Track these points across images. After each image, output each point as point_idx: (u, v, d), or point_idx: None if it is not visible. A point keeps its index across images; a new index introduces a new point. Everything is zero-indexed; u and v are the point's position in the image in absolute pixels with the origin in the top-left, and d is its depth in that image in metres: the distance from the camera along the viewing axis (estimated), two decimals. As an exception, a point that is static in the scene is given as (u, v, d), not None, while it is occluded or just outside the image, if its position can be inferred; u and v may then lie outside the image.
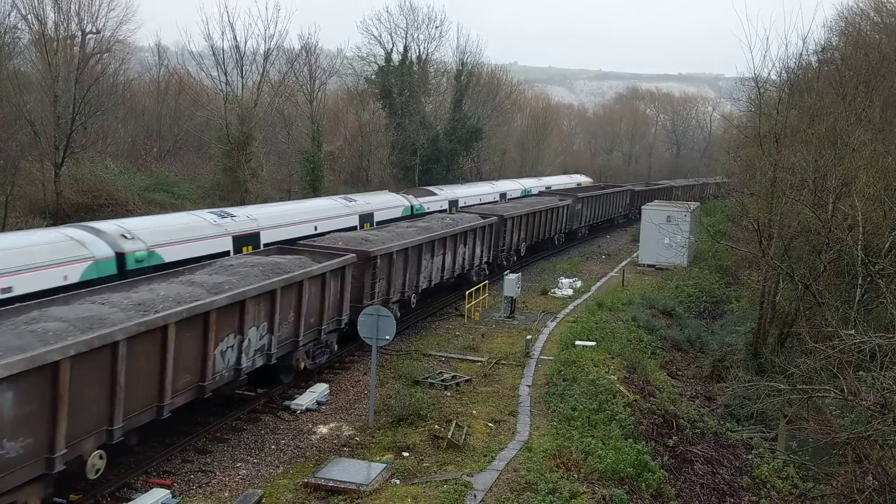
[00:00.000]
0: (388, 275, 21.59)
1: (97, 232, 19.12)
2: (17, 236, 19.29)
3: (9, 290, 15.89)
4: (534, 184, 57.07)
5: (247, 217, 24.39)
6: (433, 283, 25.31)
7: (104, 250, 18.51)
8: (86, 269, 17.72)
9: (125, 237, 19.40)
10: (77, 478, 11.74)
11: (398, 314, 22.37)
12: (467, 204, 40.33)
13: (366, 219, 30.20)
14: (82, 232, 18.98)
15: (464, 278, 28.44)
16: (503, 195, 47.89)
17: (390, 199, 34.16)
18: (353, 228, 28.02)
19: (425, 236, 24.10)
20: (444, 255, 25.70)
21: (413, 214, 33.52)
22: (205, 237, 21.86)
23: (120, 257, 18.75)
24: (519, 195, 50.01)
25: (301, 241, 22.09)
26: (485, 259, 30.18)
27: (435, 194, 40.34)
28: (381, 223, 29.48)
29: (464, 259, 27.75)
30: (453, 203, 40.02)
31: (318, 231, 26.06)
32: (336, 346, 19.34)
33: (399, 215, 32.79)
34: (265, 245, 23.19)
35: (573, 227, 45.19)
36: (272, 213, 26.00)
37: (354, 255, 19.51)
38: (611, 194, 54.27)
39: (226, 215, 23.97)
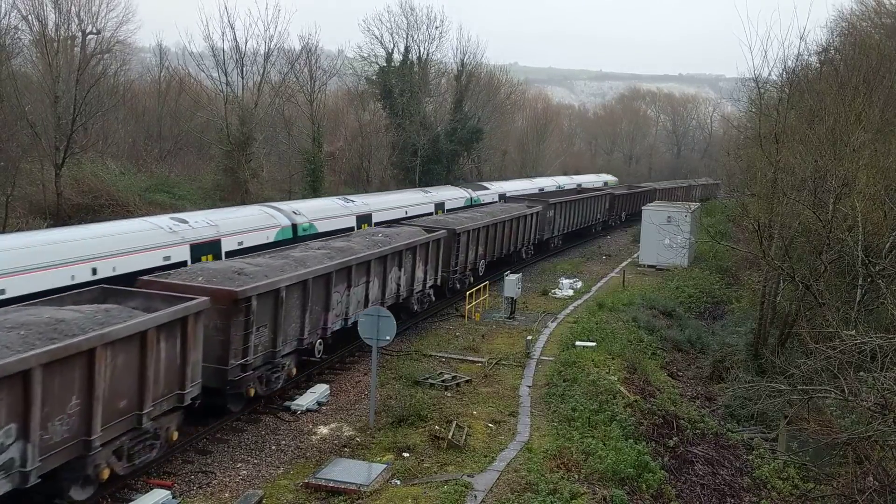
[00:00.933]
0: (272, 319, 16.27)
1: (279, 209, 26.73)
2: (237, 210, 27.74)
3: (241, 243, 23.30)
4: (566, 181, 65.35)
5: (363, 203, 31.90)
6: (352, 321, 19.55)
7: (285, 221, 26.02)
8: (277, 233, 25.23)
9: (295, 213, 26.85)
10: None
11: (293, 371, 17.69)
12: (513, 196, 45.81)
13: (439, 206, 37.47)
14: (272, 209, 26.53)
15: (401, 308, 23.16)
16: (541, 189, 55.26)
17: (455, 192, 42.65)
18: (430, 214, 34.81)
19: (339, 261, 18.96)
20: (368, 283, 20.49)
21: (472, 205, 40.52)
22: (338, 216, 29.13)
23: (294, 227, 26.22)
24: (554, 190, 57.13)
25: (142, 277, 16.27)
26: (429, 283, 24.97)
27: (487, 188, 47.58)
28: (450, 211, 35.28)
29: (399, 286, 22.65)
30: (502, 196, 46.46)
31: (408, 215, 32.91)
32: (175, 434, 13.76)
33: (462, 205, 39.99)
34: (375, 224, 29.28)
35: (544, 237, 39.77)
36: (380, 201, 33.63)
37: (207, 298, 14.04)
38: (588, 199, 48.51)
39: (349, 201, 31.55)
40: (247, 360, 15.49)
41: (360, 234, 23.64)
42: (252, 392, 15.89)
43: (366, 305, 20.15)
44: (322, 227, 27.43)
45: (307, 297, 17.49)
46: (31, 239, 19.09)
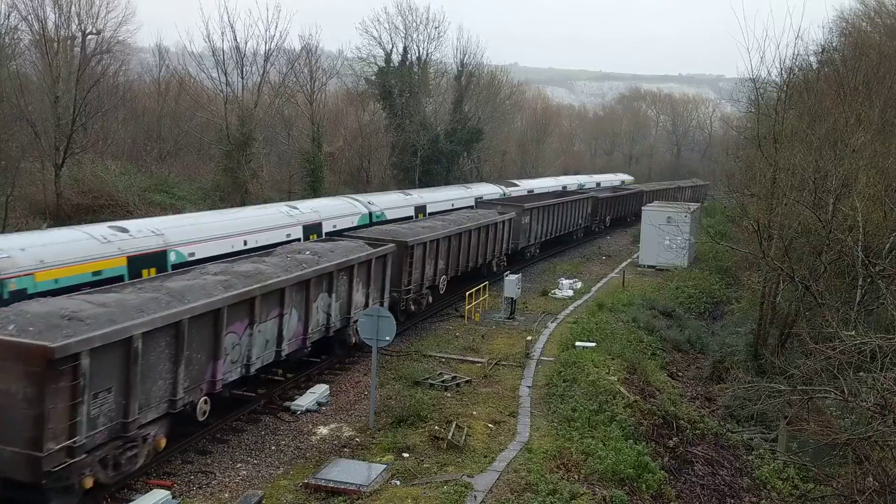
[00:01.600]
0: (122, 379, 12.22)
1: (357, 200, 32.29)
2: (330, 200, 32.70)
3: (335, 226, 27.96)
4: (585, 180, 68.93)
5: (418, 196, 36.97)
6: (254, 368, 15.94)
7: (364, 210, 31.29)
8: (359, 219, 30.41)
9: (370, 203, 32.27)
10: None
11: (162, 442, 13.44)
12: (539, 192, 51.07)
13: (478, 199, 41.61)
14: (353, 200, 32.34)
15: (334, 341, 19.77)
16: (564, 187, 59.66)
17: (491, 188, 47.37)
18: (470, 207, 38.63)
19: (234, 293, 14.74)
20: (282, 316, 16.58)
21: (504, 197, 44.27)
22: (401, 206, 34.08)
23: (370, 214, 31.43)
24: (576, 188, 61.03)
25: None
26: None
27: (517, 185, 52.38)
28: (483, 203, 39.47)
29: (329, 315, 18.75)
30: (530, 191, 51.43)
31: (454, 207, 37.79)
32: None
33: (498, 197, 44.28)
34: (429, 214, 34.62)
35: (519, 246, 35.76)
36: (431, 195, 38.58)
37: None
38: (569, 203, 43.93)
39: (408, 194, 36.89)
40: (75, 441, 11.24)
41: (281, 253, 19.23)
42: (90, 482, 11.77)
43: (279, 344, 16.66)
44: (390, 214, 32.69)
45: (182, 344, 13.30)
46: (209, 218, 24.58)
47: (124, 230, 20.07)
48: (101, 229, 19.89)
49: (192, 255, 21.16)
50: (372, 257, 20.71)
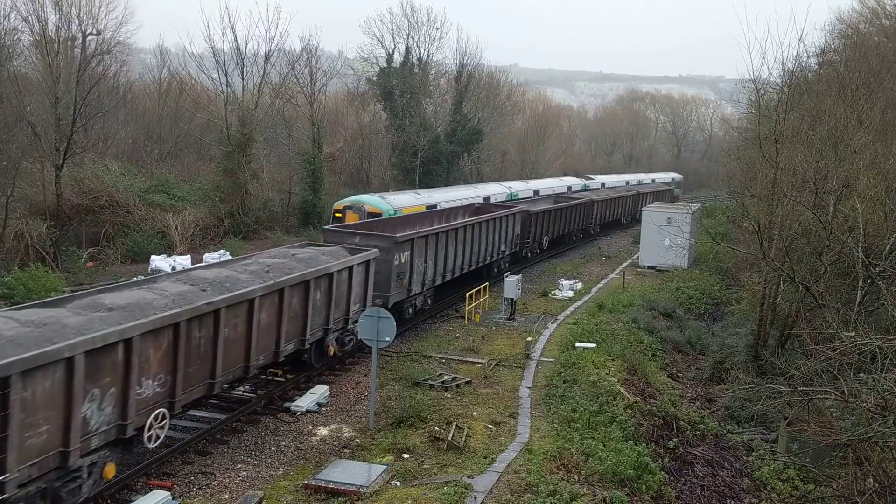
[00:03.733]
0: None
1: (508, 185, 48.36)
2: (500, 184, 49.11)
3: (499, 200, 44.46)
4: (643, 177, 76.57)
5: (512, 185, 49.59)
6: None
7: (507, 191, 46.27)
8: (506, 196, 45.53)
9: (509, 188, 47.12)
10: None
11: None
12: (611, 186, 65.17)
13: (536, 192, 50.35)
14: (507, 184, 49.32)
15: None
16: (639, 183, 70.94)
17: (575, 180, 61.02)
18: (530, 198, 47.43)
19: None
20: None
21: (584, 189, 57.79)
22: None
23: (510, 195, 45.78)
24: (650, 184, 71.66)
25: None
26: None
27: (593, 178, 65.66)
28: (577, 192, 52.63)
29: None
30: (603, 185, 63.93)
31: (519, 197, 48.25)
32: None
33: (580, 189, 57.41)
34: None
35: (391, 300, 22.14)
36: (521, 186, 50.58)
37: None
38: (483, 224, 29.85)
39: (506, 186, 48.84)
40: None
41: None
42: None
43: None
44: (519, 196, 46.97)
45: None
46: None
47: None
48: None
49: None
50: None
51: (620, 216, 56.89)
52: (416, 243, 23.61)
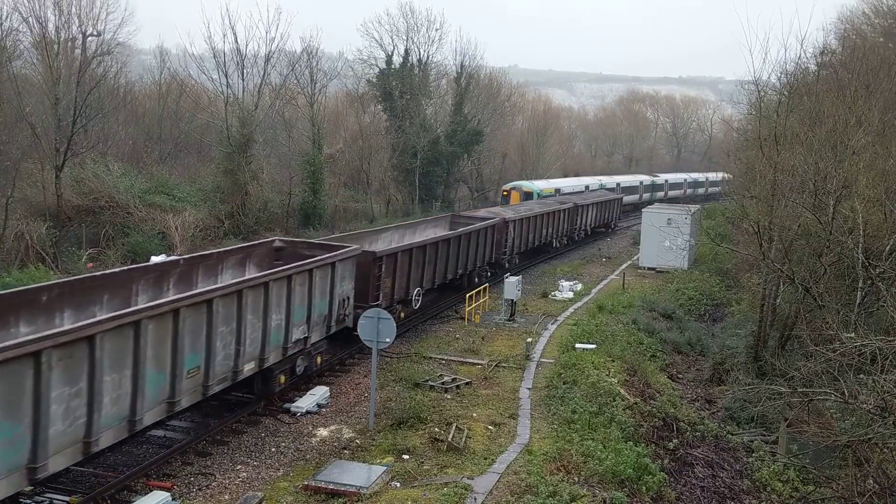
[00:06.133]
0: None
1: (641, 176, 71.61)
2: (636, 177, 73.23)
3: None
4: (697, 176, 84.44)
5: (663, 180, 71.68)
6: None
7: (649, 181, 70.16)
8: (642, 186, 70.31)
9: (655, 176, 72.57)
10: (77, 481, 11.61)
11: None
12: (700, 182, 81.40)
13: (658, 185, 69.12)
14: (643, 175, 74.75)
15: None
16: (695, 181, 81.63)
17: (697, 175, 79.71)
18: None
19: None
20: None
21: (696, 182, 77.26)
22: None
23: (651, 184, 68.43)
24: (703, 181, 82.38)
25: None
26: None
27: (658, 176, 77.16)
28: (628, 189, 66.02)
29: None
30: (667, 181, 75.37)
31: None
32: None
33: (697, 181, 78.40)
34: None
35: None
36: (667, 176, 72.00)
37: None
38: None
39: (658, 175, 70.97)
40: None
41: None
42: None
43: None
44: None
45: None
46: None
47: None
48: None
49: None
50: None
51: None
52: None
